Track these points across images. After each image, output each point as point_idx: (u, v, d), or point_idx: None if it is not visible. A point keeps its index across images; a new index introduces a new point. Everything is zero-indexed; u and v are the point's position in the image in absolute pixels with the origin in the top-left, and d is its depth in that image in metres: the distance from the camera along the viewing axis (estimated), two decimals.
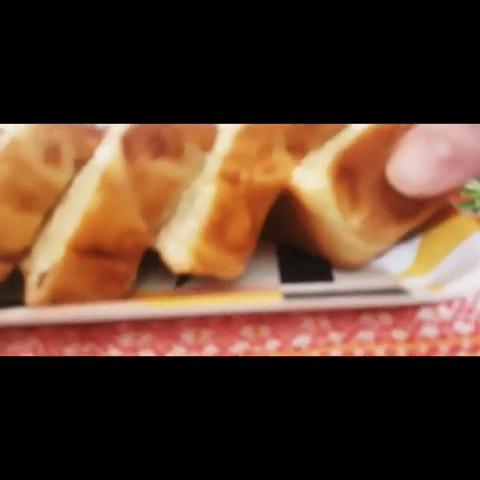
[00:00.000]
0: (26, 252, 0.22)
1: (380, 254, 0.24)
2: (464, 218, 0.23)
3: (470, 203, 0.31)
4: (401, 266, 0.24)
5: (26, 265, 0.22)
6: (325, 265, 0.24)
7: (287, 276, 0.24)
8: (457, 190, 0.32)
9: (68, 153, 0.23)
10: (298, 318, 0.21)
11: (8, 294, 0.22)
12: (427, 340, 0.19)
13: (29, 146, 0.21)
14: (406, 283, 0.22)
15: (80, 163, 0.23)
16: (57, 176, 0.23)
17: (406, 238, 0.25)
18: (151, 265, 0.23)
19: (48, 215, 0.23)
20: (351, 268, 0.23)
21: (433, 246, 0.23)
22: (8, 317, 0.19)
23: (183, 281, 0.24)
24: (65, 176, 0.23)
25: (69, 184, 0.23)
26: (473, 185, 0.34)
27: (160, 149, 0.20)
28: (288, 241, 0.26)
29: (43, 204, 0.22)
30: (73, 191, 0.23)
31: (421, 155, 0.18)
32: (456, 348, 0.19)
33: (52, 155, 0.22)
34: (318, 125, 0.21)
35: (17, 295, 0.22)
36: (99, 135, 0.24)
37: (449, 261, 0.22)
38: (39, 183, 0.22)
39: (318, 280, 0.23)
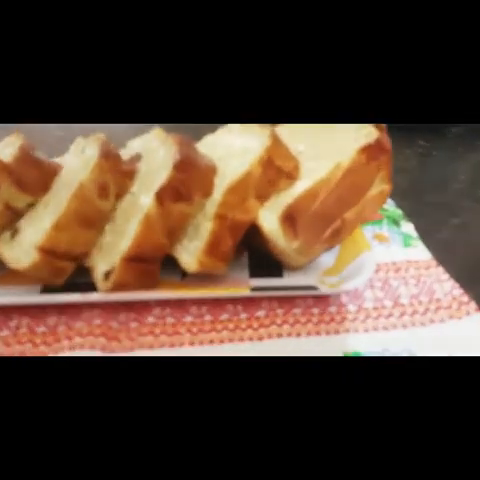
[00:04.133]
0: (86, 254, 0.35)
1: (312, 260, 0.38)
2: (363, 238, 0.37)
3: (378, 221, 0.45)
4: (324, 267, 0.38)
5: (86, 262, 0.35)
6: (278, 266, 0.38)
7: (254, 273, 0.37)
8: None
9: (112, 189, 0.35)
10: (260, 299, 0.35)
11: (75, 279, 0.35)
12: (330, 314, 0.34)
13: (89, 187, 0.33)
14: (326, 280, 0.36)
15: (118, 195, 0.36)
16: (105, 205, 0.35)
17: (330, 248, 0.39)
18: (168, 264, 0.36)
19: (100, 230, 0.35)
20: (295, 269, 0.37)
21: (343, 256, 0.38)
22: (90, 298, 0.32)
23: (185, 275, 0.37)
24: (110, 205, 0.35)
25: (112, 209, 0.35)
26: (388, 205, 0.48)
27: (179, 197, 0.32)
28: (258, 248, 0.39)
29: (97, 224, 0.35)
30: (117, 214, 0.35)
31: None
32: (344, 318, 0.34)
33: (103, 191, 0.34)
34: (276, 182, 0.34)
35: (80, 280, 0.34)
36: (131, 176, 0.36)
37: (350, 268, 0.36)
38: (95, 210, 0.34)
39: (273, 276, 0.37)
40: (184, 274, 0.37)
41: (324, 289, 0.33)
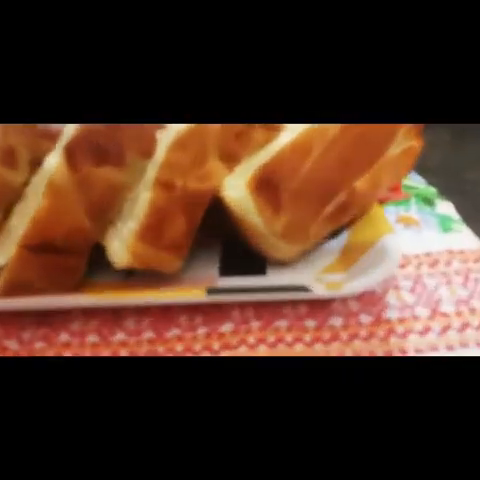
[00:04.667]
0: None
1: (307, 251, 0.26)
2: (381, 218, 0.26)
3: (405, 202, 0.33)
4: (325, 262, 0.26)
5: None
6: (261, 260, 0.27)
7: (226, 270, 0.26)
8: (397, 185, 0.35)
9: (24, 155, 0.25)
10: (229, 308, 0.24)
11: None
12: (332, 328, 0.22)
13: None
14: (326, 278, 0.25)
15: (35, 164, 0.26)
16: (13, 176, 0.25)
17: (335, 234, 0.28)
18: (104, 258, 0.25)
19: (6, 212, 0.25)
20: (281, 263, 0.26)
21: (353, 246, 0.26)
22: None
23: (131, 273, 0.27)
24: (21, 176, 0.25)
25: (26, 183, 0.25)
26: (414, 181, 0.36)
27: (103, 158, 0.22)
28: (233, 236, 0.28)
29: (1, 202, 0.25)
30: (29, 190, 0.25)
31: None
32: (354, 335, 0.22)
33: (8, 157, 0.24)
34: (249, 135, 0.23)
35: None
36: (53, 138, 0.26)
37: (362, 261, 0.24)
38: None
39: (252, 274, 0.26)
40: (129, 272, 0.27)
41: (320, 290, 0.21)
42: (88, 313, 0.24)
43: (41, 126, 0.26)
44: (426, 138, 0.50)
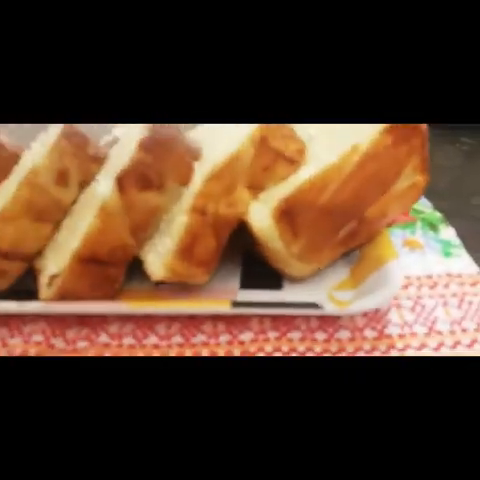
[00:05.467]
0: (38, 254, 0.29)
1: (320, 269, 0.30)
2: (388, 243, 0.29)
3: (410, 225, 0.36)
4: (336, 279, 0.30)
5: (38, 264, 0.29)
6: (277, 276, 0.30)
7: (246, 283, 0.30)
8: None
9: (74, 176, 0.29)
10: (248, 318, 0.27)
11: (24, 284, 0.28)
12: (339, 341, 0.25)
13: (44, 172, 0.27)
14: (337, 295, 0.28)
15: (84, 184, 0.29)
16: (65, 194, 0.28)
17: (345, 254, 0.31)
18: (138, 269, 0.29)
19: (57, 225, 0.29)
20: (297, 280, 0.29)
21: (362, 267, 0.29)
22: (26, 308, 0.25)
23: (161, 283, 0.30)
24: (71, 194, 0.29)
25: (74, 201, 0.29)
26: (421, 206, 0.39)
27: (147, 184, 0.26)
28: (252, 253, 0.31)
29: (53, 217, 0.28)
30: (78, 207, 0.29)
31: None
32: (359, 348, 0.25)
33: (62, 177, 0.28)
34: (274, 168, 0.27)
35: (30, 286, 0.28)
36: (100, 162, 0.30)
37: (369, 281, 0.28)
38: (51, 200, 0.28)
39: (269, 288, 0.29)
40: (159, 282, 0.30)
41: (329, 308, 0.24)
42: (124, 318, 0.28)
43: (91, 151, 0.29)
44: (436, 161, 0.53)
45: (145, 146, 0.25)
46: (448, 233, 0.34)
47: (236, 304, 0.25)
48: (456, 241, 0.34)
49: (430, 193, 0.35)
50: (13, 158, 0.31)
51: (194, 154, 0.28)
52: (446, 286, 0.29)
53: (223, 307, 0.25)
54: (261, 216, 0.25)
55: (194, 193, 0.25)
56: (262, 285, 0.29)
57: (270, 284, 0.30)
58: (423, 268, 0.31)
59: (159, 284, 0.30)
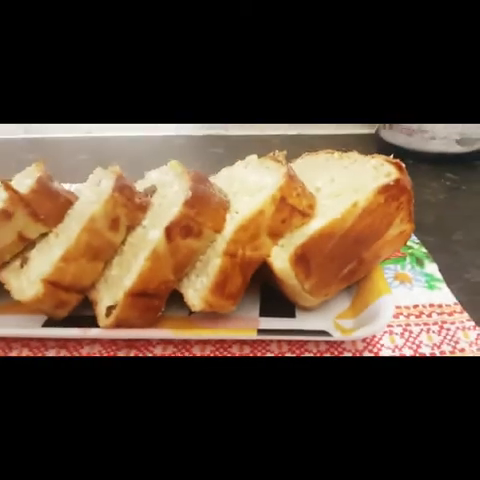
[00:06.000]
0: (92, 287, 0.34)
1: (326, 300, 0.36)
2: (383, 281, 0.35)
3: (401, 260, 0.42)
4: (339, 309, 0.36)
5: (92, 294, 0.34)
6: (290, 305, 0.36)
7: (264, 312, 0.36)
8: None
9: (124, 222, 0.35)
10: (269, 342, 0.33)
11: (80, 311, 0.34)
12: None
13: (100, 220, 0.33)
14: (340, 323, 0.34)
15: (130, 228, 0.35)
16: (116, 237, 0.34)
17: (345, 287, 0.37)
18: (173, 300, 0.34)
19: (107, 262, 0.34)
20: (307, 309, 0.35)
21: (361, 299, 0.35)
22: (89, 334, 0.31)
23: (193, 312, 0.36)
24: (121, 237, 0.35)
25: (122, 242, 0.35)
26: (410, 241, 0.45)
27: (188, 232, 0.32)
28: (270, 285, 0.37)
29: (106, 256, 0.34)
30: (126, 247, 0.34)
31: None
32: None
33: (115, 223, 0.34)
34: (290, 220, 0.33)
35: (85, 313, 0.34)
36: (144, 210, 0.36)
37: (367, 312, 0.34)
38: (105, 243, 0.34)
39: (285, 316, 0.35)
40: (192, 310, 0.36)
41: (337, 336, 0.30)
42: (166, 342, 0.33)
43: (137, 201, 0.35)
44: (423, 197, 0.60)
45: (190, 203, 0.31)
46: (432, 268, 0.41)
47: (261, 331, 0.31)
48: (438, 275, 0.40)
49: (418, 228, 0.40)
50: (67, 203, 0.37)
51: (225, 205, 0.34)
52: (429, 315, 0.36)
53: (250, 334, 0.31)
54: (281, 260, 0.31)
55: (226, 240, 0.31)
56: (278, 314, 0.35)
57: (285, 313, 0.35)
58: (411, 299, 0.37)
59: (191, 313, 0.36)
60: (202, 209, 0.32)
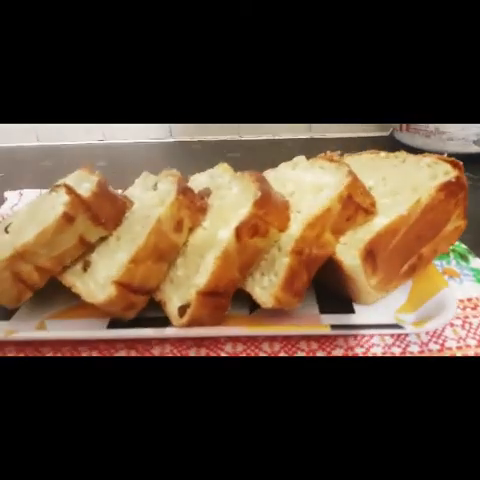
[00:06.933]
0: (157, 288, 0.34)
1: (385, 295, 0.36)
2: (438, 275, 0.36)
3: (445, 256, 0.43)
4: (396, 304, 0.36)
5: (157, 295, 0.34)
6: (348, 301, 0.37)
7: (323, 308, 0.36)
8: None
9: (186, 223, 0.35)
10: (335, 337, 0.34)
11: (146, 312, 0.34)
12: (411, 354, 0.32)
13: (166, 222, 0.33)
14: (401, 317, 0.35)
15: (191, 229, 0.35)
16: (179, 239, 0.35)
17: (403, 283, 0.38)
18: (235, 298, 0.35)
19: (171, 263, 0.35)
20: (365, 304, 0.36)
21: (418, 293, 0.36)
22: (164, 333, 0.31)
23: (254, 309, 0.36)
24: (184, 238, 0.35)
25: (184, 243, 0.35)
26: None
27: (255, 232, 0.32)
28: (324, 282, 0.38)
29: (170, 257, 0.34)
30: (189, 248, 0.35)
31: None
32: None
33: (179, 225, 0.34)
34: (355, 217, 0.33)
35: (148, 314, 0.34)
36: (203, 212, 0.36)
37: (427, 305, 0.34)
38: (170, 244, 0.34)
39: (344, 312, 0.36)
40: (252, 309, 0.36)
41: (409, 328, 0.31)
42: (234, 339, 0.34)
43: (198, 203, 0.36)
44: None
45: (259, 203, 0.32)
46: (477, 262, 0.42)
47: (335, 327, 0.32)
48: None
49: None
50: (124, 207, 0.38)
51: (287, 205, 0.34)
52: None
53: (324, 330, 0.31)
54: (350, 256, 0.32)
55: (294, 239, 0.32)
56: (338, 310, 0.36)
57: (344, 309, 0.36)
58: (463, 293, 0.38)
59: (252, 312, 0.36)
60: (270, 209, 0.32)
